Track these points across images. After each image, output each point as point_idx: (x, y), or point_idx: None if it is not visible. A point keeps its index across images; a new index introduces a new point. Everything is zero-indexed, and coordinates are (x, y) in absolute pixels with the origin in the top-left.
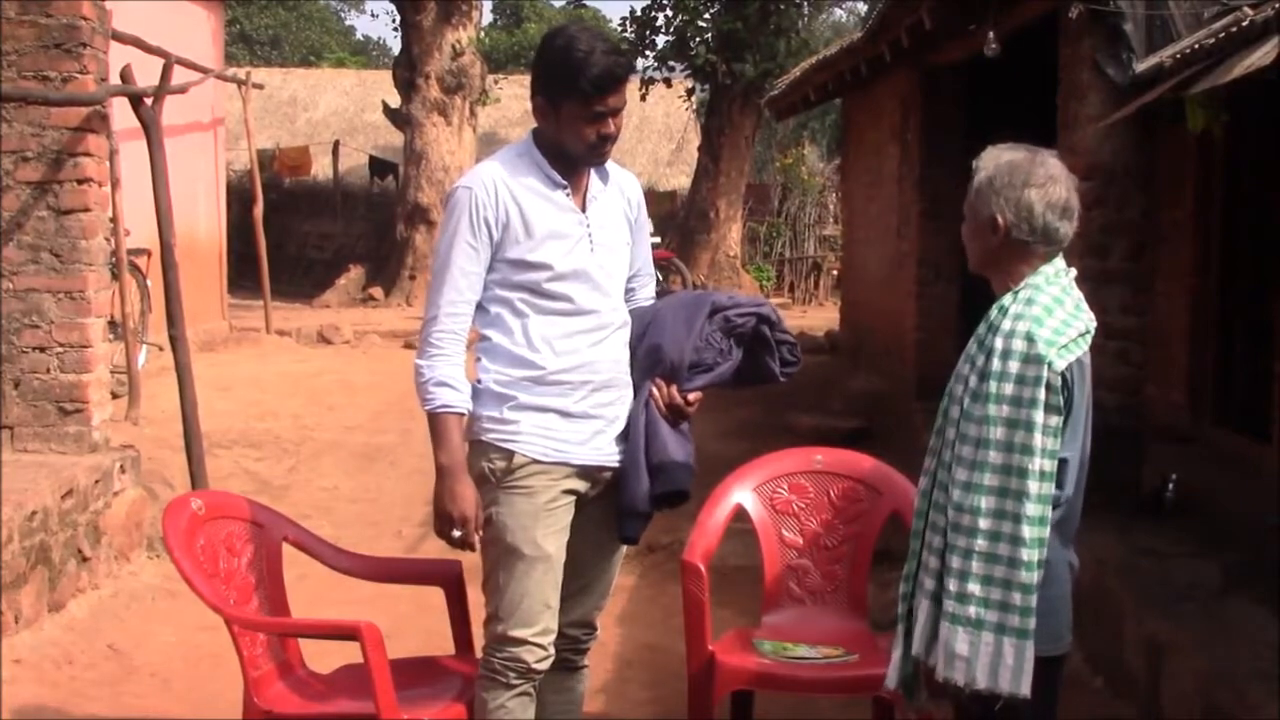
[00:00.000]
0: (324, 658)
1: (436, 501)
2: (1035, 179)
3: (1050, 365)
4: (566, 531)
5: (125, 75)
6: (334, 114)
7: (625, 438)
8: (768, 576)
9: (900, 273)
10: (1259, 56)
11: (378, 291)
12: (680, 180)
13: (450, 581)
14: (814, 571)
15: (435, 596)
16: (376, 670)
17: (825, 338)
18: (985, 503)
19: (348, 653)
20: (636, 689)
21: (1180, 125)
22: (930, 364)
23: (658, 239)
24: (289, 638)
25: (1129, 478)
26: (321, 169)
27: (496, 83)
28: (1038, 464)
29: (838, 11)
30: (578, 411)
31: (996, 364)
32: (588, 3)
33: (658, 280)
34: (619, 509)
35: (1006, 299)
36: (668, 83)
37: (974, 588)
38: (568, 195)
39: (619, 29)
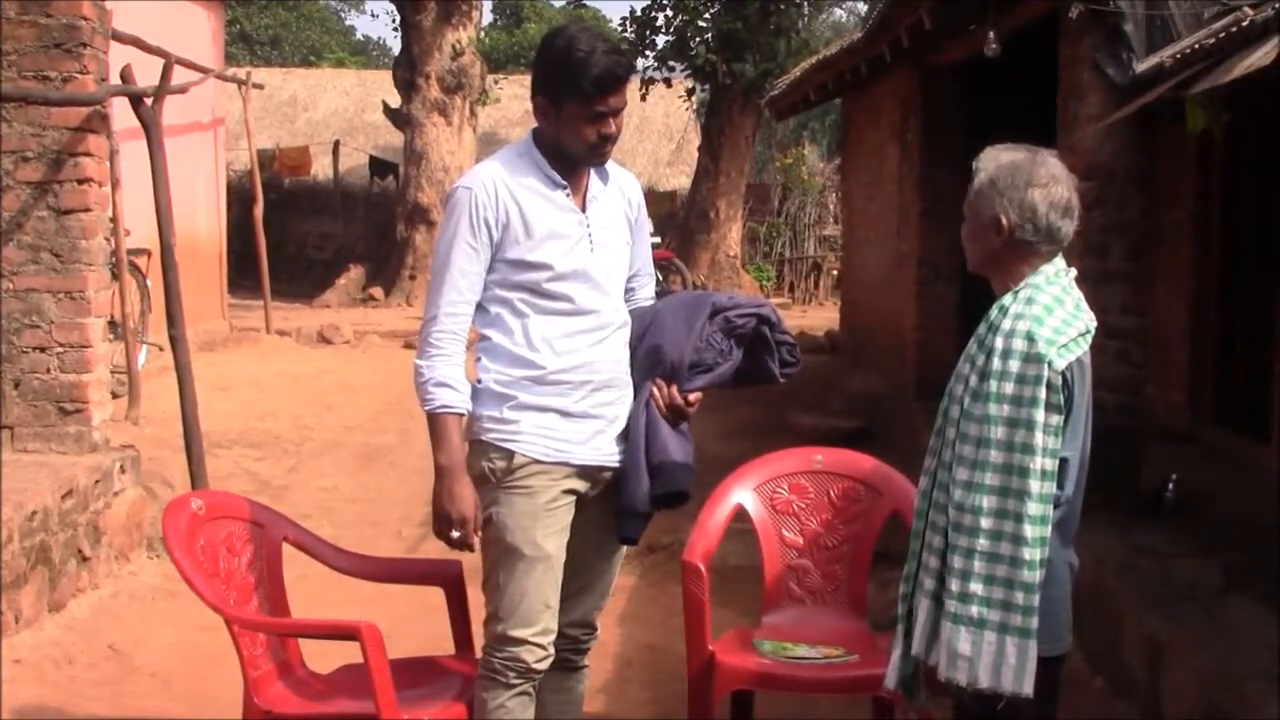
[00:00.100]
0: (324, 658)
1: (435, 502)
2: (1038, 179)
3: (1051, 364)
4: (567, 531)
5: (125, 75)
6: (334, 114)
7: (625, 438)
8: (768, 576)
9: (900, 273)
10: (1259, 56)
11: (378, 291)
12: (680, 180)
13: (450, 581)
14: (814, 571)
15: (435, 596)
16: (376, 670)
17: (825, 338)
18: (987, 502)
19: (348, 653)
20: (636, 689)
21: (1180, 125)
22: (930, 364)
23: (658, 239)
24: (289, 638)
25: (1129, 478)
26: (321, 169)
27: (496, 83)
28: (1039, 463)
29: (838, 11)
30: (578, 411)
31: (997, 363)
32: (588, 3)
33: (658, 280)
34: (619, 509)
35: (1007, 299)
36: (668, 83)
37: (976, 587)
38: (568, 195)
39: (619, 29)
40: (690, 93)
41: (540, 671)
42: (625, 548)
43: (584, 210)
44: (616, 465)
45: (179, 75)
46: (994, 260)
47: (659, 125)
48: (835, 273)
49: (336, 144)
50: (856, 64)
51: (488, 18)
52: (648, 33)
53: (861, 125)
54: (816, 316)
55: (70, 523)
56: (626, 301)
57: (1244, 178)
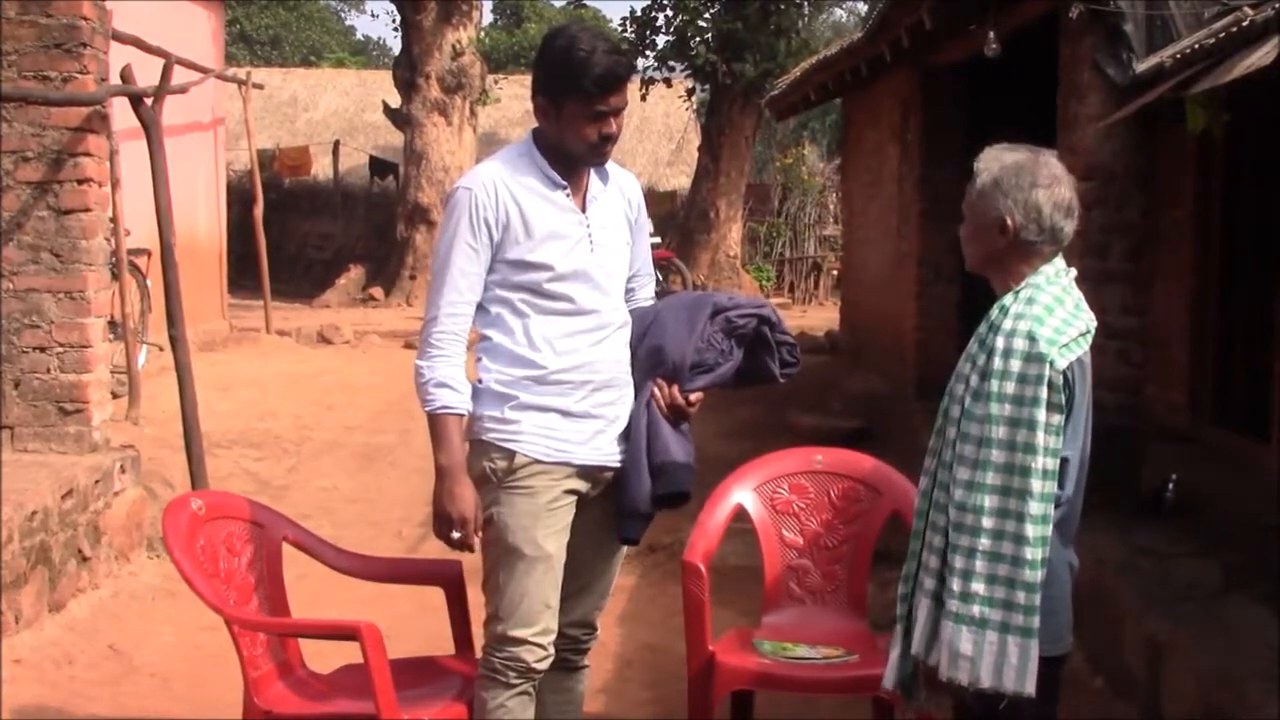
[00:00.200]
0: (324, 658)
1: (435, 502)
2: (1041, 180)
3: (1052, 364)
4: (567, 531)
5: (125, 75)
6: (334, 114)
7: (626, 437)
8: (768, 576)
9: (900, 273)
10: (1259, 56)
11: (378, 291)
12: (680, 180)
13: (450, 581)
14: (814, 571)
15: (435, 596)
16: (376, 670)
17: (825, 338)
18: (989, 502)
19: (348, 653)
20: (636, 689)
21: (1180, 125)
22: (930, 364)
23: (658, 239)
24: (289, 638)
25: (1129, 478)
26: (321, 169)
27: (496, 83)
28: (1041, 462)
29: (838, 11)
30: (579, 411)
31: (998, 363)
32: (588, 3)
33: (658, 280)
34: (620, 509)
35: (1008, 298)
36: (668, 83)
37: (978, 587)
38: (568, 195)
39: (619, 29)
40: (690, 93)
41: (540, 671)
42: (625, 548)
43: (584, 210)
44: (617, 465)
45: (179, 75)
46: (995, 260)
47: (659, 125)
48: (835, 273)
49: (336, 144)
50: (856, 64)
51: (488, 18)
52: (648, 33)
53: (861, 125)
54: (816, 316)
55: (70, 523)
56: (626, 301)
57: (1244, 178)
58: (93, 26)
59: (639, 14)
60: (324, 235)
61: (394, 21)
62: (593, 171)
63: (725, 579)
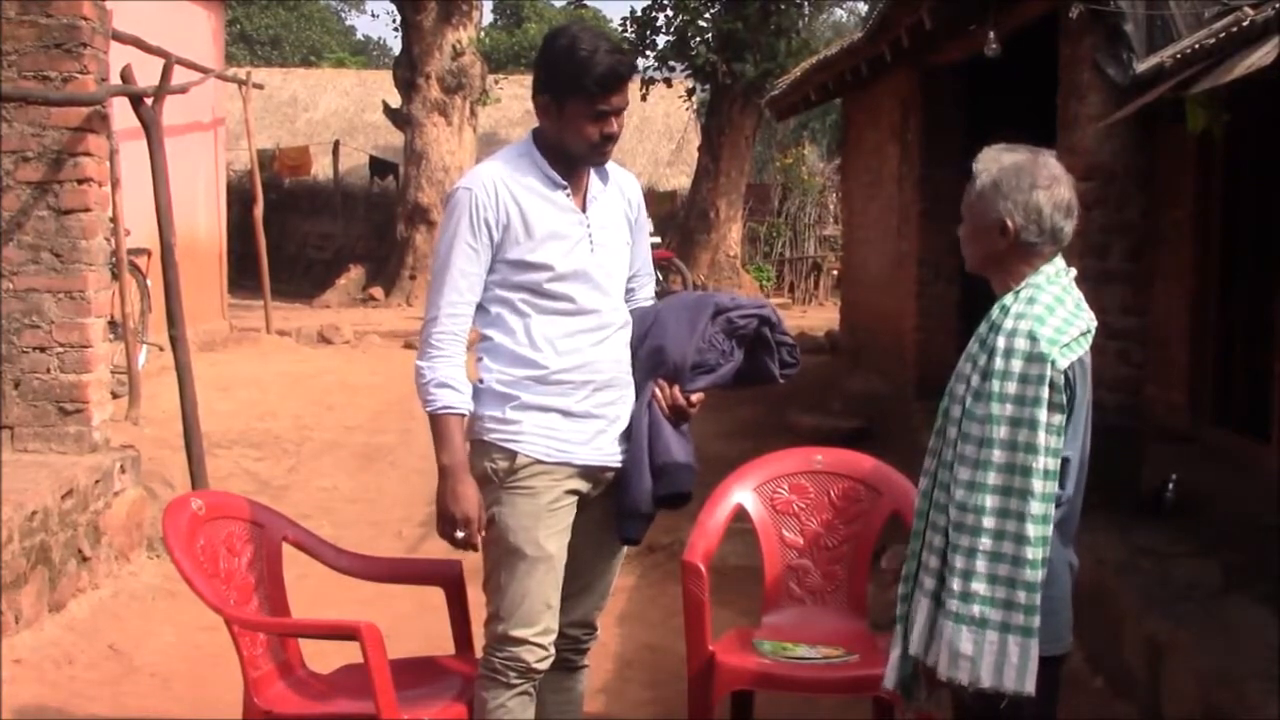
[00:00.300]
0: (324, 658)
1: (439, 502)
2: (1041, 180)
3: (1053, 364)
4: (568, 532)
5: (125, 75)
6: (334, 114)
7: (627, 437)
8: (768, 576)
9: (900, 273)
10: (1259, 56)
11: (378, 291)
12: (680, 180)
13: (450, 581)
14: (814, 571)
15: (435, 596)
16: (376, 670)
17: (825, 338)
18: (989, 502)
19: (348, 653)
20: (636, 689)
21: (1180, 125)
22: (930, 364)
23: (658, 239)
24: (289, 638)
25: (1129, 478)
26: (321, 169)
27: (497, 83)
28: (1042, 462)
29: (838, 11)
30: (580, 411)
31: (999, 363)
32: (588, 3)
33: (658, 280)
34: (621, 510)
35: (1008, 298)
36: (668, 83)
37: (979, 587)
38: (568, 195)
39: (619, 29)
40: (690, 93)
41: (541, 671)
42: (626, 548)
43: (584, 210)
44: (618, 465)
45: (179, 75)
46: (995, 261)
47: (659, 125)
48: (835, 273)
49: (336, 144)
50: (856, 64)
51: (488, 18)
52: (648, 33)
53: (861, 125)
54: (816, 316)
55: (70, 523)
56: (626, 302)
57: (1244, 178)
58: (93, 26)
59: (639, 14)
60: (324, 235)
61: (394, 21)
62: (593, 171)
63: (725, 579)
